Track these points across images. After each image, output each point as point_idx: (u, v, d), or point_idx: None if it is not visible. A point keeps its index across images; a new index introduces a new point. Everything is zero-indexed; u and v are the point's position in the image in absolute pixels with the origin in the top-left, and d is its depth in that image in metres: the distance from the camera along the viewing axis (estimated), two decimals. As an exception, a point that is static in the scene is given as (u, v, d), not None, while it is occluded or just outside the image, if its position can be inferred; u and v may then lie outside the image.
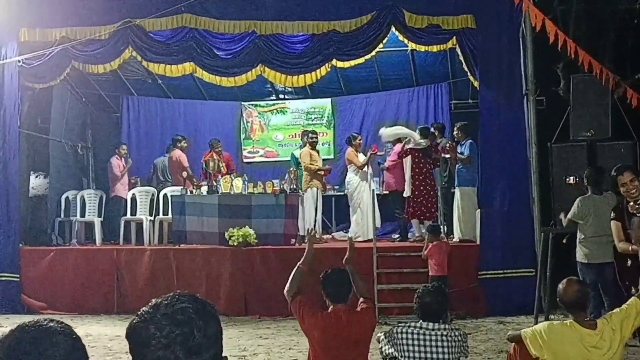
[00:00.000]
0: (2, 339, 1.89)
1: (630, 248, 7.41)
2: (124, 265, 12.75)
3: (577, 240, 9.08)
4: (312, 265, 5.55)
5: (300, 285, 5.40)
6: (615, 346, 4.78)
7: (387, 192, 14.26)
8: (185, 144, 14.95)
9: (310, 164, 13.65)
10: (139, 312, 1.97)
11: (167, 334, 1.88)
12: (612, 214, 7.92)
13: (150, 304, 1.98)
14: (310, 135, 14.17)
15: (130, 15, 12.79)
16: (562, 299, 4.89)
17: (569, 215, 9.08)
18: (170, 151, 15.18)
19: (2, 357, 1.84)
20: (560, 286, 4.95)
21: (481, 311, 11.45)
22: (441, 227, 11.93)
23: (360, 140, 14.23)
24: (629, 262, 7.67)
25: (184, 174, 14.49)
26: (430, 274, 10.89)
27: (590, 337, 4.74)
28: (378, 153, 14.15)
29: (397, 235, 13.82)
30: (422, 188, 12.95)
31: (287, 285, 5.39)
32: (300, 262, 5.53)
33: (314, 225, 13.30)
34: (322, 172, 13.91)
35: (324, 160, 14.76)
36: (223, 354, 2.00)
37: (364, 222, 13.57)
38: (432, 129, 13.89)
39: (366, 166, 13.67)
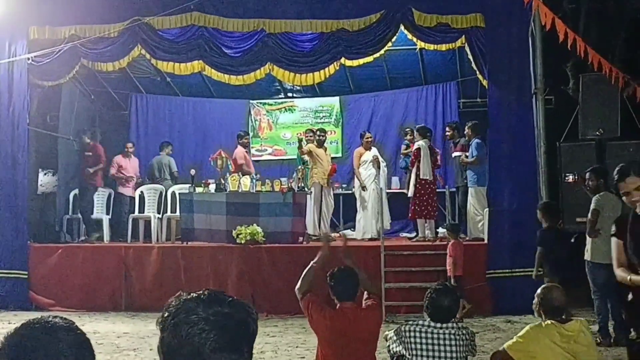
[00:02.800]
0: (8, 336, 1.89)
1: (629, 278, 4.97)
2: (131, 263, 12.77)
3: (591, 240, 9.02)
4: (325, 265, 5.51)
5: (312, 283, 5.40)
6: (594, 352, 4.85)
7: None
8: (246, 140, 14.84)
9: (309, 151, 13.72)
10: (180, 315, 1.85)
11: (234, 335, 1.84)
12: (613, 228, 5.39)
13: (192, 300, 1.89)
14: (318, 133, 14.17)
15: (139, 14, 12.81)
16: (543, 303, 4.92)
17: (592, 207, 8.98)
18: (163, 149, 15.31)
19: (8, 354, 1.84)
20: (541, 291, 4.99)
21: (489, 310, 11.43)
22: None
23: (367, 138, 14.18)
24: (630, 296, 5.16)
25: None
26: (448, 274, 10.86)
27: (569, 327, 4.78)
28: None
29: (413, 235, 13.79)
30: (426, 187, 13.00)
31: (299, 283, 5.39)
32: (314, 261, 5.50)
33: (319, 224, 13.35)
34: (327, 169, 13.94)
35: (332, 158, 14.77)
36: None
37: (367, 221, 13.63)
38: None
39: (373, 165, 13.67)
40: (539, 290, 5.03)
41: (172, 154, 15.47)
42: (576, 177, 10.31)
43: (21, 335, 1.88)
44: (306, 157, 13.75)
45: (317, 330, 5.23)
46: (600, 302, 8.91)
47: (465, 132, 13.22)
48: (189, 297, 1.91)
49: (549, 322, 4.83)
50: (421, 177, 12.97)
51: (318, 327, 5.18)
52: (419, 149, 13.08)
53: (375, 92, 16.47)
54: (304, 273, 5.43)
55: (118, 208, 14.79)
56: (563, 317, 4.94)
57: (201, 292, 1.93)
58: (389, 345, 5.10)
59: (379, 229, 12.65)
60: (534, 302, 5.06)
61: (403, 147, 14.79)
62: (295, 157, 15.35)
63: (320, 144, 14.04)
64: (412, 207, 13.13)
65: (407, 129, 14.71)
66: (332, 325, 5.09)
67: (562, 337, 4.73)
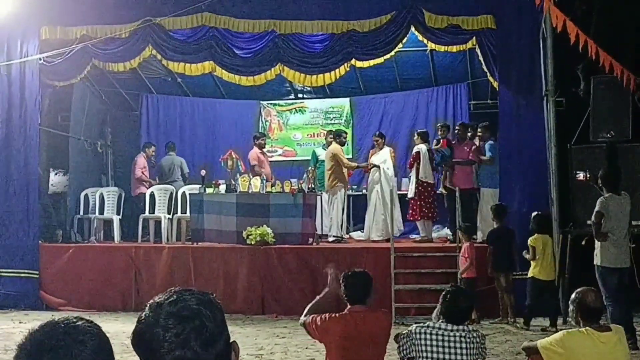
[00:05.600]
0: (32, 332, 1.88)
1: None
2: (142, 263, 12.80)
3: (600, 244, 8.93)
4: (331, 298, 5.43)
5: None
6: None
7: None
8: (262, 141, 14.79)
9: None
10: (140, 318, 1.95)
11: (179, 333, 1.87)
12: None
13: (148, 306, 1.96)
14: (343, 135, 14.21)
15: (150, 14, 12.85)
16: (580, 308, 4.84)
17: (597, 208, 8.92)
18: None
19: (29, 350, 1.84)
20: (577, 295, 4.90)
21: (499, 312, 11.39)
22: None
23: (378, 139, 14.16)
24: None
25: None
26: (463, 276, 10.90)
27: (607, 337, 4.73)
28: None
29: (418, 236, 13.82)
30: (428, 189, 13.36)
31: (304, 313, 5.33)
32: (320, 295, 5.47)
33: (341, 226, 13.41)
34: (348, 173, 14.08)
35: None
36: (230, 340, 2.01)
37: (372, 222, 13.66)
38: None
39: (382, 166, 13.70)
40: (573, 295, 4.95)
41: (178, 155, 15.48)
42: (587, 175, 10.30)
43: (44, 333, 1.87)
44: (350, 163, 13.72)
45: (327, 338, 5.17)
46: (614, 307, 8.74)
47: (478, 134, 13.15)
48: (150, 305, 1.97)
49: (585, 329, 4.77)
50: (422, 179, 13.23)
51: (328, 334, 5.13)
52: (418, 153, 13.35)
53: (386, 93, 16.44)
54: (310, 305, 5.39)
55: (139, 208, 14.73)
56: (600, 323, 4.90)
57: (163, 294, 1.99)
58: (398, 347, 5.09)
59: (391, 230, 12.62)
60: (569, 308, 4.98)
61: (434, 142, 14.43)
62: (305, 158, 15.35)
63: (342, 145, 14.10)
64: (413, 209, 13.39)
65: (439, 125, 14.44)
66: (342, 328, 5.07)
67: (598, 346, 4.68)
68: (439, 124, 14.42)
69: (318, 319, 5.15)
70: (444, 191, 13.53)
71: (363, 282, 5.27)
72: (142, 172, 14.93)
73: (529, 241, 10.62)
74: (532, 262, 10.58)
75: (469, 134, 13.49)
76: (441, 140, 13.70)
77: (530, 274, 10.62)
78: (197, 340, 1.88)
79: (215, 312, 1.95)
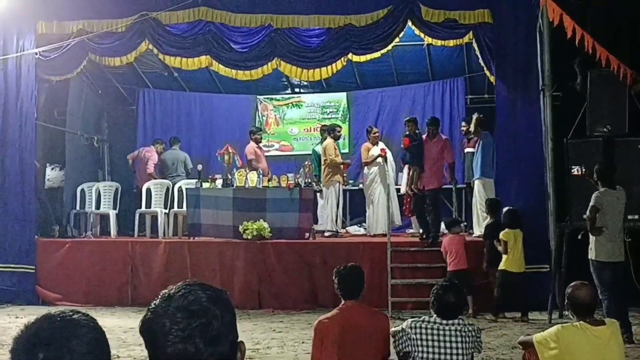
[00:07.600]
0: (27, 325, 1.88)
1: None
2: (138, 258, 12.80)
3: (594, 238, 8.98)
4: None
5: None
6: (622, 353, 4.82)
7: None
8: (259, 136, 14.79)
9: (336, 156, 13.74)
10: (150, 307, 1.96)
11: (185, 327, 1.88)
12: None
13: (160, 296, 1.97)
14: (337, 129, 14.20)
15: (147, 8, 12.82)
16: (572, 302, 4.87)
17: (592, 203, 8.98)
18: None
19: (25, 343, 1.84)
20: (570, 289, 4.92)
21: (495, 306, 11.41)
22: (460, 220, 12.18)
23: (375, 133, 14.15)
24: None
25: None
26: (448, 269, 10.91)
27: (601, 331, 4.74)
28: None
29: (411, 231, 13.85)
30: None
31: None
32: None
33: (336, 220, 13.41)
34: (344, 166, 13.99)
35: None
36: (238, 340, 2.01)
37: (375, 217, 13.64)
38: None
39: (382, 161, 13.68)
40: (567, 289, 4.99)
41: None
42: (582, 170, 10.34)
43: (39, 326, 1.87)
44: (336, 158, 13.74)
45: (326, 339, 5.14)
46: (610, 301, 8.79)
47: (470, 128, 13.11)
48: (162, 295, 1.98)
49: (579, 323, 4.78)
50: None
51: (326, 333, 5.12)
52: None
53: (383, 87, 16.44)
54: None
55: (136, 203, 14.72)
56: (595, 317, 4.90)
57: (177, 285, 2.00)
58: (394, 342, 5.09)
59: (387, 225, 12.64)
60: (565, 302, 5.04)
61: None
62: (302, 152, 15.33)
63: (337, 140, 14.09)
64: (406, 205, 13.50)
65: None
66: (340, 324, 5.08)
67: (592, 340, 4.69)
68: (404, 119, 13.79)
69: (317, 324, 5.15)
70: (409, 192, 13.05)
71: (356, 277, 5.27)
72: (153, 170, 14.94)
73: (501, 235, 10.74)
74: (503, 255, 10.72)
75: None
76: (404, 139, 13.52)
77: (501, 267, 10.76)
78: (201, 337, 1.89)
79: (224, 312, 1.96)
